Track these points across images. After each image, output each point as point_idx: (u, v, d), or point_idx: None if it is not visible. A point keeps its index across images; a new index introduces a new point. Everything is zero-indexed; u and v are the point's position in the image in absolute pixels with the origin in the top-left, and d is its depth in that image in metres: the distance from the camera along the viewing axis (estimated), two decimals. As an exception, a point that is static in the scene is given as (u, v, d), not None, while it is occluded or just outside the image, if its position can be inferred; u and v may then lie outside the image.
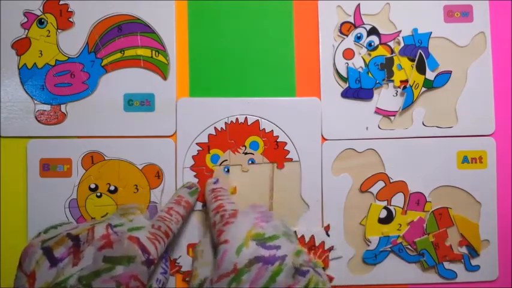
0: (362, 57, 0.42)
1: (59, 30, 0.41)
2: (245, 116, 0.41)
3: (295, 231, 0.39)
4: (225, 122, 0.41)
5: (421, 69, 0.41)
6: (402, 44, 0.42)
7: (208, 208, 0.37)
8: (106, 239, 0.30)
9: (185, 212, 0.37)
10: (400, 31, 0.42)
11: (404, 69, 0.42)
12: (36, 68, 0.41)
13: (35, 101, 0.41)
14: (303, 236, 0.41)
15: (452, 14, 0.42)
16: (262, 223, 0.33)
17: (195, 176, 0.41)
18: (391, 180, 0.42)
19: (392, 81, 0.42)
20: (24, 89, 0.41)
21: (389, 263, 0.41)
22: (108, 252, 0.29)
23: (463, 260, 0.41)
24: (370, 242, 0.41)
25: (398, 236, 0.41)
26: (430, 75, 0.42)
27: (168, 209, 0.37)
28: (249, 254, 0.30)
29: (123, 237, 0.30)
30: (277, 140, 0.41)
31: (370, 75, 0.42)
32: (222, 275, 0.30)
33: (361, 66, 0.42)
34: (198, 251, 0.36)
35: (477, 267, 0.42)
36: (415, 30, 0.42)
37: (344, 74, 0.42)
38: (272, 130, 0.41)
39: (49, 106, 0.41)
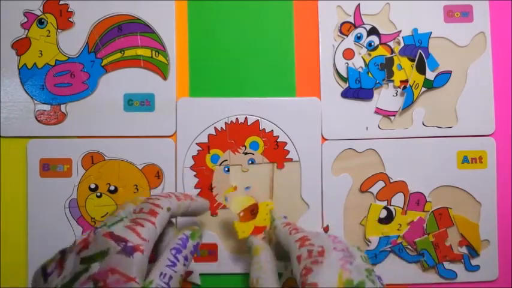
0: (362, 57, 0.42)
1: (59, 30, 0.41)
2: (245, 116, 0.41)
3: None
4: (225, 122, 0.41)
5: (421, 69, 0.41)
6: (402, 44, 0.42)
7: (285, 238, 0.34)
8: (84, 241, 0.29)
9: (181, 195, 0.34)
10: (400, 31, 0.42)
11: (404, 69, 0.42)
12: (36, 68, 0.41)
13: (35, 101, 0.41)
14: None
15: (452, 14, 0.42)
16: (348, 265, 0.30)
17: (195, 175, 0.41)
18: (391, 180, 0.42)
19: (392, 81, 0.42)
20: (24, 89, 0.41)
21: (389, 263, 0.41)
22: (84, 253, 0.28)
23: (463, 260, 0.41)
24: (370, 242, 0.41)
25: (398, 236, 0.41)
26: (430, 75, 0.42)
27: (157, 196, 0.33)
28: None
29: (99, 235, 0.29)
30: (277, 140, 0.41)
31: (370, 75, 0.42)
32: None
33: (361, 66, 0.42)
34: (254, 280, 0.32)
35: (477, 267, 0.42)
36: (415, 30, 0.42)
37: (344, 74, 0.42)
38: (272, 130, 0.41)
39: (49, 106, 0.41)
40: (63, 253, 0.30)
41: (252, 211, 0.39)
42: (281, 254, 0.36)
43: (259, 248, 0.35)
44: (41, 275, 0.29)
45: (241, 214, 0.39)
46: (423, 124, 0.42)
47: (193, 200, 0.35)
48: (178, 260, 0.30)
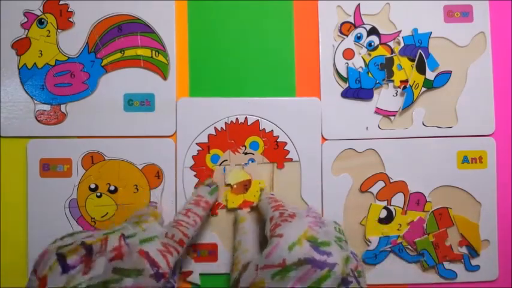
0: (362, 57, 0.42)
1: (59, 30, 0.41)
2: (245, 116, 0.41)
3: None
4: (225, 122, 0.41)
5: (421, 69, 0.41)
6: (402, 44, 0.42)
7: (266, 208, 0.37)
8: (117, 251, 0.31)
9: (204, 212, 0.37)
10: (400, 31, 0.42)
11: (404, 69, 0.42)
12: (36, 68, 0.41)
13: (35, 101, 0.41)
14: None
15: (452, 14, 0.42)
16: (316, 227, 0.33)
17: (195, 175, 0.41)
18: (391, 180, 0.42)
19: (392, 81, 0.42)
20: (24, 89, 0.41)
21: (389, 263, 0.41)
22: (118, 264, 0.30)
23: (463, 260, 0.41)
24: (370, 242, 0.41)
25: (398, 236, 0.41)
26: (430, 75, 0.42)
27: (186, 211, 0.36)
28: (301, 254, 0.30)
29: (134, 251, 0.31)
30: (277, 140, 0.41)
31: (370, 75, 0.42)
32: (268, 265, 0.30)
33: (361, 66, 0.42)
34: (236, 242, 0.38)
35: (477, 267, 0.42)
36: (415, 30, 0.42)
37: (344, 74, 0.42)
38: (272, 130, 0.41)
39: (49, 106, 0.41)
40: (89, 250, 0.30)
41: (245, 186, 0.41)
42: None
43: (244, 218, 0.40)
44: (58, 262, 0.30)
45: (235, 186, 0.41)
46: (423, 124, 0.42)
47: (209, 206, 0.38)
48: (175, 282, 0.35)
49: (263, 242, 0.38)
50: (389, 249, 0.41)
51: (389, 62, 0.42)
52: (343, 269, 0.30)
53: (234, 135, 0.41)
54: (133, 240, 0.32)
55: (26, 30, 0.41)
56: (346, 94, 0.42)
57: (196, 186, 0.41)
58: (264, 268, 0.30)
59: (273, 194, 0.40)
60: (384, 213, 0.42)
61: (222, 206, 0.41)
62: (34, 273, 0.31)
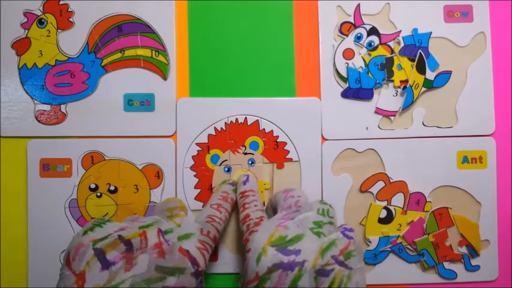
0: (362, 57, 0.42)
1: (59, 30, 0.41)
2: (245, 116, 0.41)
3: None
4: (225, 122, 0.41)
5: (421, 69, 0.41)
6: (402, 44, 0.42)
7: (239, 216, 0.37)
8: (159, 247, 0.31)
9: (231, 210, 0.37)
10: (400, 31, 0.42)
11: (404, 69, 0.42)
12: (36, 68, 0.41)
13: (35, 101, 0.41)
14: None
15: (452, 14, 0.42)
16: (287, 222, 0.33)
17: (195, 176, 0.41)
18: (391, 180, 0.42)
19: (392, 81, 0.42)
20: (24, 89, 0.41)
21: (389, 263, 0.41)
22: (160, 262, 0.30)
23: (463, 260, 0.41)
24: (370, 242, 0.41)
25: (398, 236, 0.41)
26: (430, 75, 0.42)
27: (217, 206, 0.36)
28: (268, 262, 0.30)
29: (175, 248, 0.31)
30: (277, 140, 0.41)
31: (370, 75, 0.42)
32: (247, 281, 0.31)
33: (361, 66, 0.42)
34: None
35: (477, 267, 0.42)
36: (415, 30, 0.42)
37: (344, 74, 0.42)
38: (272, 130, 0.41)
39: (49, 106, 0.41)
40: (129, 245, 0.30)
41: None
42: None
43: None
44: (96, 257, 0.29)
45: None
46: (423, 124, 0.42)
47: (233, 204, 0.38)
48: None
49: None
50: (389, 249, 0.41)
51: (389, 62, 0.42)
52: (315, 262, 0.30)
53: (234, 135, 0.41)
54: (172, 236, 0.32)
55: (26, 30, 0.41)
56: (346, 94, 0.42)
57: (196, 187, 0.41)
58: (246, 286, 0.31)
59: (246, 181, 0.39)
60: (383, 213, 0.42)
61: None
62: (67, 267, 0.29)
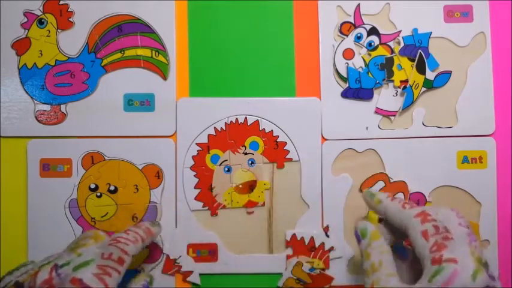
0: (362, 57, 0.42)
1: (59, 30, 0.41)
2: (245, 116, 0.41)
3: None
4: (225, 122, 0.41)
5: (421, 69, 0.41)
6: (402, 44, 0.42)
7: (399, 213, 0.32)
8: (48, 283, 0.29)
9: (145, 235, 0.35)
10: (400, 31, 0.42)
11: (404, 69, 0.42)
12: (36, 68, 0.41)
13: (35, 101, 0.41)
14: (302, 238, 0.41)
15: (452, 14, 0.42)
16: (473, 242, 0.29)
17: (195, 176, 0.41)
18: (391, 180, 0.42)
19: (392, 81, 0.42)
20: (24, 89, 0.41)
21: (389, 263, 0.41)
22: None
23: (463, 260, 0.41)
24: (370, 242, 0.41)
25: (398, 236, 0.41)
26: (430, 75, 0.42)
27: (125, 230, 0.34)
28: (483, 282, 0.27)
29: (66, 280, 0.29)
30: (277, 140, 0.41)
31: (370, 75, 0.42)
32: None
33: (361, 66, 0.42)
34: (374, 263, 0.31)
35: (477, 267, 0.41)
36: (415, 30, 0.42)
37: (344, 74, 0.42)
38: (272, 130, 0.41)
39: (49, 106, 0.41)
40: (19, 287, 0.29)
41: (250, 186, 0.41)
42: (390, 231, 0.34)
43: (377, 234, 0.33)
44: None
45: (240, 186, 0.41)
46: (423, 124, 0.42)
47: (151, 234, 0.36)
48: None
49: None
50: (389, 249, 0.41)
51: (389, 62, 0.42)
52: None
53: (234, 135, 0.41)
54: (67, 269, 0.29)
55: (26, 30, 0.41)
56: (346, 94, 0.42)
57: (196, 187, 0.41)
58: None
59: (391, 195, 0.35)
60: (384, 213, 0.42)
61: (222, 206, 0.41)
62: None
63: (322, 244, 0.41)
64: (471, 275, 0.27)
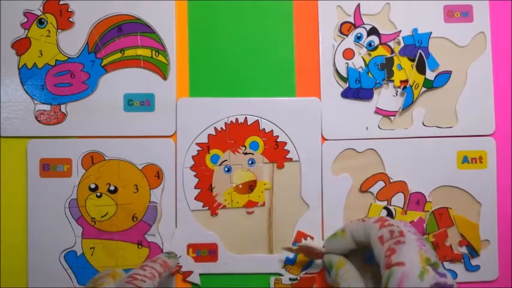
0: (362, 57, 0.42)
1: (59, 30, 0.41)
2: (245, 116, 0.41)
3: None
4: (225, 122, 0.41)
5: (421, 69, 0.41)
6: (402, 44, 0.42)
7: (360, 224, 0.34)
8: None
9: (162, 269, 0.35)
10: (400, 31, 0.42)
11: (404, 69, 0.42)
12: (36, 68, 0.41)
13: (35, 101, 0.41)
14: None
15: (452, 14, 0.42)
16: (423, 246, 0.31)
17: (195, 176, 0.41)
18: (391, 180, 0.42)
19: (392, 81, 0.42)
20: (24, 89, 0.41)
21: (389, 263, 0.41)
22: None
23: (463, 260, 0.41)
24: (370, 242, 0.41)
25: (398, 236, 0.41)
26: (430, 75, 0.42)
27: (141, 266, 0.35)
28: (430, 280, 0.28)
29: None
30: (277, 140, 0.41)
31: (370, 75, 0.42)
32: None
33: (361, 66, 0.42)
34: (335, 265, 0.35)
35: (477, 267, 0.42)
36: (415, 30, 0.42)
37: (344, 74, 0.42)
38: (272, 130, 0.41)
39: (49, 106, 0.41)
40: None
41: (250, 186, 0.41)
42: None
43: (342, 261, 0.36)
44: None
45: (240, 186, 0.41)
46: (423, 124, 0.42)
47: (168, 267, 0.37)
48: None
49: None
50: (389, 249, 0.41)
51: (389, 62, 0.42)
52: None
53: (234, 135, 0.41)
54: None
55: (26, 30, 0.41)
56: (346, 94, 0.42)
57: (196, 187, 0.41)
58: None
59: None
60: (384, 213, 0.42)
61: (222, 206, 0.41)
62: None
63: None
64: (418, 275, 0.28)
